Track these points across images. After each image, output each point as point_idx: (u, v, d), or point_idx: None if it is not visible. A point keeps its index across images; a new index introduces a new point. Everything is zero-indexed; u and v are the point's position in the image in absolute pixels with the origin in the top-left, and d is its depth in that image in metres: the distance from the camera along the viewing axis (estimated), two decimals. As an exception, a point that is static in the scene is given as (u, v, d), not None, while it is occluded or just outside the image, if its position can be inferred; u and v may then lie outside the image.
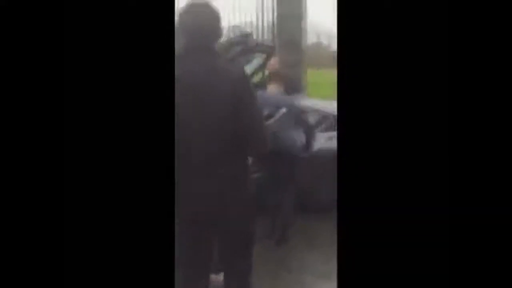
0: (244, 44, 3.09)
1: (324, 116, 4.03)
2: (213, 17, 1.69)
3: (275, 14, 7.86)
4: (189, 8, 1.67)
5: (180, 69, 1.53)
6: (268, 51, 3.52)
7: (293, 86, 3.97)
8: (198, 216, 1.69)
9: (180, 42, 1.63)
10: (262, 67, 3.55)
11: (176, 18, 1.64)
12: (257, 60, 3.46)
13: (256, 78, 3.62)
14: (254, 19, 7.86)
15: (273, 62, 3.62)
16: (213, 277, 2.42)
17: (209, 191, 1.64)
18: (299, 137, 3.24)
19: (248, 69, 3.33)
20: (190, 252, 1.76)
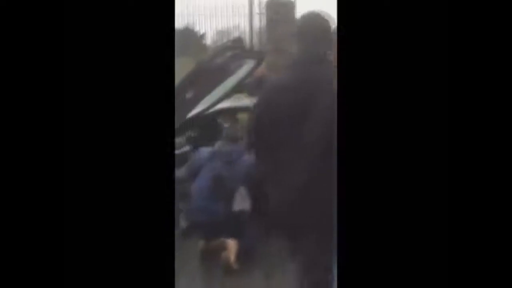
0: (236, 49, 3.08)
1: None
2: (330, 25, 1.76)
3: (264, 19, 7.85)
4: (309, 17, 1.79)
5: (294, 76, 1.72)
6: (259, 57, 3.53)
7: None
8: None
9: (297, 49, 1.77)
10: (251, 73, 3.55)
11: (295, 26, 1.76)
12: (247, 66, 3.45)
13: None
14: (242, 24, 7.86)
15: (262, 68, 3.64)
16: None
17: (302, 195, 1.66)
18: None
19: (239, 74, 3.31)
20: None
